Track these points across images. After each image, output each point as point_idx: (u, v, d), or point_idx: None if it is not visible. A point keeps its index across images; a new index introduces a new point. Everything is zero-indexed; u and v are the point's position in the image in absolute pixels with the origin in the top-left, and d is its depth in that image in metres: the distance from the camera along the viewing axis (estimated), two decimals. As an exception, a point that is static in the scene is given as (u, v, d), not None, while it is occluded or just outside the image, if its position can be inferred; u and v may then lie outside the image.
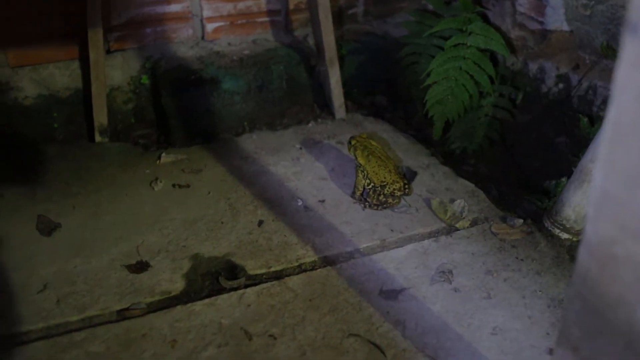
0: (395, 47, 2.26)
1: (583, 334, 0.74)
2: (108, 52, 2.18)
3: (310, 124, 2.23)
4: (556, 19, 1.93)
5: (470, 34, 1.91)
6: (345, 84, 2.30)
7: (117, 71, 2.19)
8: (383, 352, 1.24)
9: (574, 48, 1.92)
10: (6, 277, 1.45)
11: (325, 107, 2.33)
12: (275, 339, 1.28)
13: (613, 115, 0.59)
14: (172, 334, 1.28)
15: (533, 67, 2.03)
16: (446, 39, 1.98)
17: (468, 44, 1.91)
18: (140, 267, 1.48)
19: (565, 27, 1.91)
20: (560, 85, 1.95)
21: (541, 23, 1.98)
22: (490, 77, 1.93)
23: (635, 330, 0.65)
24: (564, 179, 1.68)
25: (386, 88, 2.44)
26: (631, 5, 0.53)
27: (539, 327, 1.31)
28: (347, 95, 2.31)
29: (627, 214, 0.61)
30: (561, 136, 1.91)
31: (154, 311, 1.35)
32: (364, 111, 2.34)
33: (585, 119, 1.73)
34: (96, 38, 2.00)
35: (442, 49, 1.99)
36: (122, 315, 1.34)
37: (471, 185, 1.83)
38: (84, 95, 2.14)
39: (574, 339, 0.76)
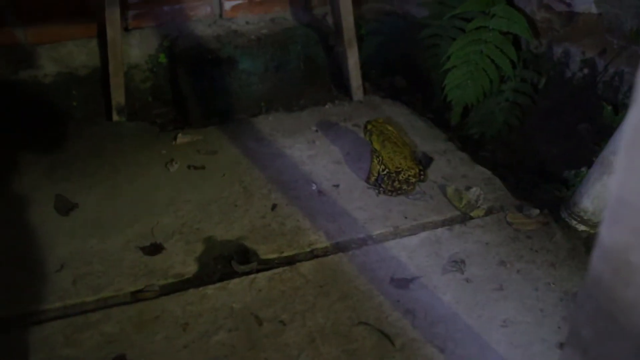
0: (416, 28, 2.20)
1: (593, 336, 0.73)
2: (126, 30, 2.18)
3: (327, 106, 2.21)
4: (584, 1, 1.85)
5: (493, 16, 1.85)
6: (363, 65, 2.26)
7: (135, 49, 2.19)
8: (392, 341, 1.25)
9: (601, 32, 1.84)
10: (25, 255, 1.48)
11: (342, 88, 2.30)
12: (284, 324, 1.29)
13: (634, 120, 0.57)
14: (184, 317, 1.31)
15: (557, 50, 1.96)
16: (468, 21, 1.92)
17: (490, 27, 1.85)
18: (155, 249, 1.50)
19: (594, 9, 1.84)
20: (585, 71, 1.88)
21: (568, 5, 1.91)
22: (512, 61, 1.88)
23: (646, 337, 0.64)
24: (584, 169, 1.63)
25: (406, 70, 2.40)
26: None
27: (550, 321, 1.29)
28: (365, 76, 2.27)
29: (643, 221, 0.60)
30: (583, 124, 1.85)
31: (167, 294, 1.37)
32: (382, 93, 2.31)
33: (610, 107, 1.68)
34: (114, 16, 1.99)
35: (463, 31, 1.94)
36: (136, 297, 1.37)
37: (488, 173, 1.80)
38: (102, 74, 2.14)
39: (584, 341, 0.75)
